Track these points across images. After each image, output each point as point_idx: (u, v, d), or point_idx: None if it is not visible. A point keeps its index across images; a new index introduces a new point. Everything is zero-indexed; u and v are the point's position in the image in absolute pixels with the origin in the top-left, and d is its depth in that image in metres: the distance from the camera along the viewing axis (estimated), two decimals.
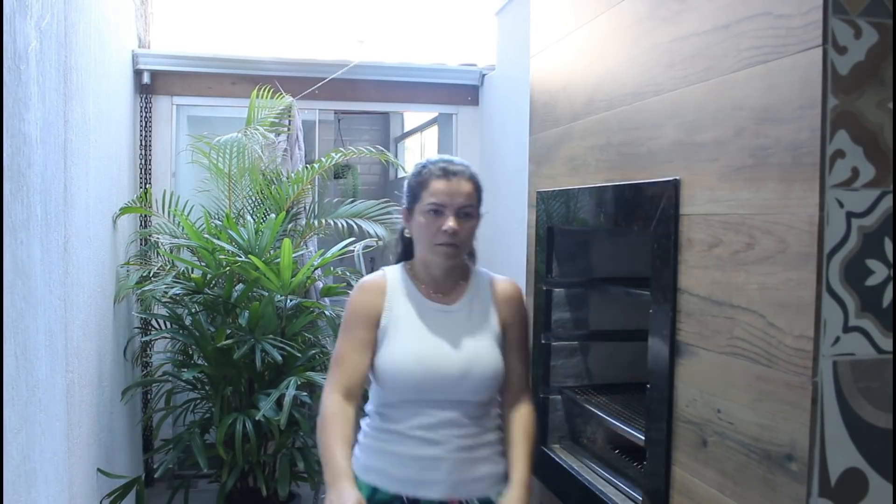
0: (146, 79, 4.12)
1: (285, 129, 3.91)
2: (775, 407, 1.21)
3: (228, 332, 3.03)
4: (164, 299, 3.24)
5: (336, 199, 3.98)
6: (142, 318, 3.70)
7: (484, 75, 4.50)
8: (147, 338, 3.74)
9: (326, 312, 3.24)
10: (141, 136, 4.12)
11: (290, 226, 3.68)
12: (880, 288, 1.17)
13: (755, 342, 1.26)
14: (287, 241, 3.08)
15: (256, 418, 2.86)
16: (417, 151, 6.55)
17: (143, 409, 4.03)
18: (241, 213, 3.61)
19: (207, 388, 3.23)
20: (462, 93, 4.59)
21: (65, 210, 2.17)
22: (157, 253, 3.63)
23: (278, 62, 4.27)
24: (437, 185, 1.73)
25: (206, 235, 3.24)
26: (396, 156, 7.08)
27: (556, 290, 2.21)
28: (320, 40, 4.71)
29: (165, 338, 3.44)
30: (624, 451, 2.11)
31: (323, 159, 3.67)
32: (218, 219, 3.59)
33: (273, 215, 3.42)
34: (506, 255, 3.97)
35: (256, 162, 3.51)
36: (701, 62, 1.43)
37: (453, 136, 4.65)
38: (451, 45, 4.78)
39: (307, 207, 3.87)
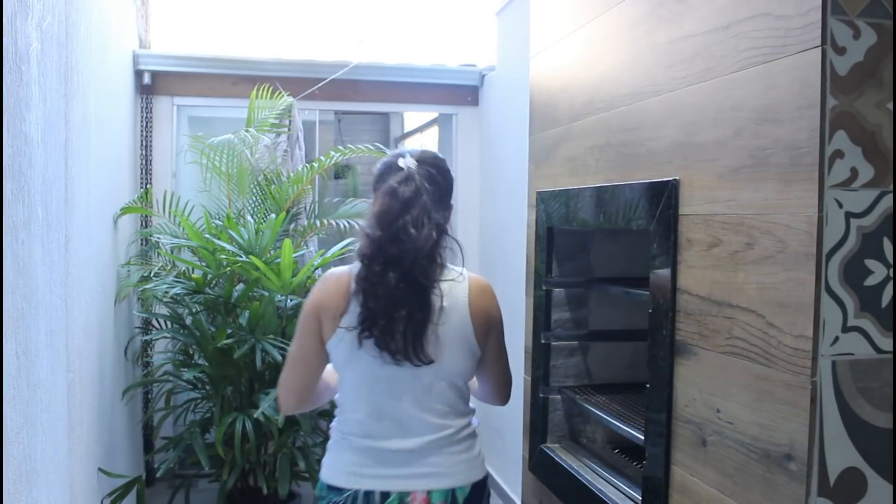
0: (147, 79, 4.12)
1: (286, 129, 3.92)
2: (774, 406, 1.22)
3: (229, 331, 3.03)
4: (164, 299, 3.24)
5: (336, 199, 3.99)
6: (143, 318, 3.70)
7: (484, 76, 4.50)
8: (148, 337, 3.75)
9: None
10: (142, 136, 4.13)
11: (290, 226, 3.69)
12: (879, 288, 1.17)
13: (754, 342, 1.27)
14: (287, 241, 3.08)
15: (255, 416, 2.87)
16: None
17: (143, 408, 4.03)
18: (241, 214, 3.61)
19: (208, 387, 3.23)
20: (462, 93, 4.59)
21: (66, 210, 2.18)
22: (158, 253, 3.64)
23: (278, 63, 4.27)
24: None
25: (207, 235, 3.25)
26: None
27: (556, 290, 2.21)
28: (320, 40, 4.71)
29: (166, 337, 3.45)
30: (623, 451, 2.12)
31: (323, 158, 3.67)
32: (218, 219, 3.60)
33: (273, 215, 3.42)
34: (505, 255, 3.97)
35: (245, 164, 3.51)
36: (700, 63, 1.44)
37: (453, 136, 4.65)
38: (451, 45, 4.77)
39: (307, 207, 3.87)
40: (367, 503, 1.66)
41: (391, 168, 1.71)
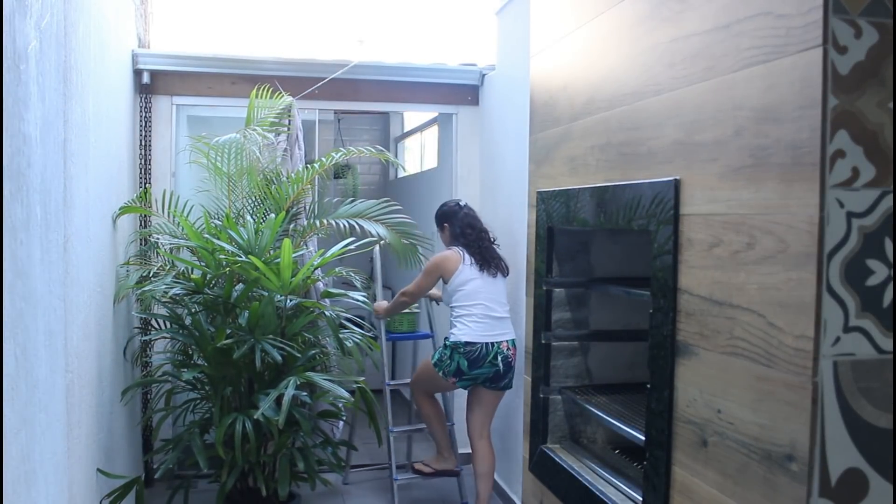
0: (146, 78, 4.12)
1: (285, 129, 3.91)
2: (775, 407, 1.21)
3: (228, 332, 3.03)
4: (163, 299, 3.23)
5: (336, 199, 3.98)
6: (141, 318, 3.69)
7: (484, 75, 4.50)
8: (147, 338, 3.74)
9: (326, 313, 3.24)
10: (141, 135, 4.12)
11: (290, 226, 3.68)
12: (880, 288, 1.17)
13: (755, 342, 1.26)
14: (287, 241, 3.07)
15: (255, 417, 2.86)
16: (417, 151, 6.55)
17: (142, 409, 4.03)
18: (240, 213, 3.61)
19: (207, 388, 3.23)
20: (462, 93, 4.58)
21: (64, 210, 2.17)
22: (157, 253, 3.63)
23: (278, 62, 4.27)
24: None
25: (206, 235, 3.24)
26: (396, 156, 7.08)
27: (556, 290, 2.21)
28: (320, 40, 4.70)
29: (165, 338, 3.44)
30: (624, 451, 2.12)
31: (323, 159, 3.66)
32: (218, 219, 3.59)
33: (273, 215, 3.42)
34: (506, 255, 3.97)
35: (255, 162, 3.50)
36: (701, 62, 1.43)
37: (453, 136, 4.65)
38: (451, 44, 4.77)
39: (307, 207, 3.86)
40: (488, 349, 3.34)
41: (458, 205, 3.67)
